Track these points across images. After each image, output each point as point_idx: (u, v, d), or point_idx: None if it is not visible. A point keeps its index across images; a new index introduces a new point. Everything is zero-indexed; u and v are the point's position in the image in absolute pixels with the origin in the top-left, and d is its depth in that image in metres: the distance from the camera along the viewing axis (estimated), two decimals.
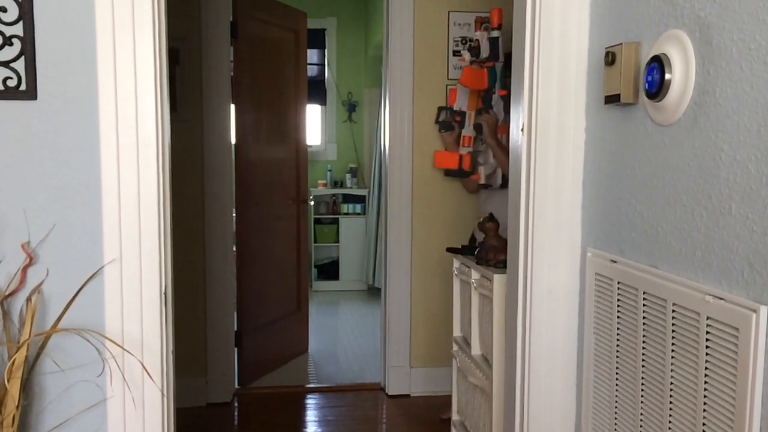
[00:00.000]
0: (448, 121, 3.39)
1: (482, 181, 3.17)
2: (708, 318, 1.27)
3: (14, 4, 1.57)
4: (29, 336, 1.53)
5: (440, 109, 3.53)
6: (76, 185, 1.63)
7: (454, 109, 3.36)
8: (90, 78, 1.61)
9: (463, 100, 3.35)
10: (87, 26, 1.59)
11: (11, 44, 1.58)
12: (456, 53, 3.61)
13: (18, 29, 1.58)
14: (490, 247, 2.52)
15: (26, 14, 1.57)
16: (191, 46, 3.43)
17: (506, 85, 3.05)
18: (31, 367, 1.61)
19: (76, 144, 1.62)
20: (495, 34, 3.07)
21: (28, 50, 1.58)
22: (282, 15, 4.16)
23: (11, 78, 1.58)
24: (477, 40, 3.14)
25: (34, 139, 1.61)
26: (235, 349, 3.75)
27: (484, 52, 3.09)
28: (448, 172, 3.43)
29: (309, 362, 4.37)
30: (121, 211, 1.64)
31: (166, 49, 1.70)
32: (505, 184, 3.13)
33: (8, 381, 1.50)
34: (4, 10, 1.57)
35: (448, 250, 3.05)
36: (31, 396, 1.64)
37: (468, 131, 3.32)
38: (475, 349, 2.66)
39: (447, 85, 3.61)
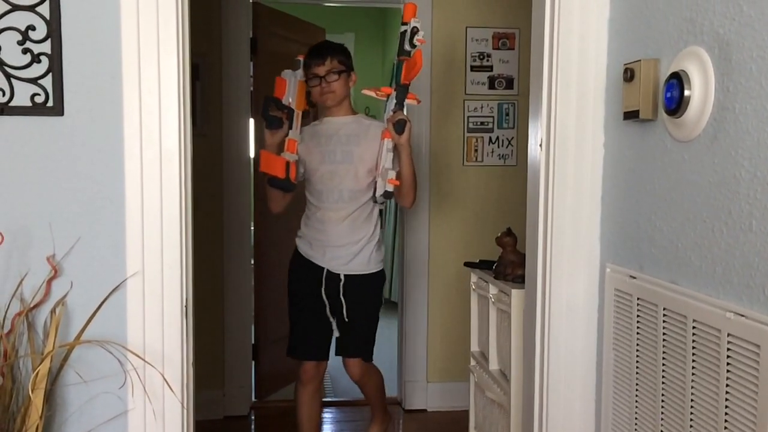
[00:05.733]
0: (279, 117, 2.64)
1: (389, 188, 2.62)
2: (729, 335, 1.26)
3: (42, 22, 1.60)
4: (53, 347, 1.55)
5: (267, 99, 2.69)
6: (101, 199, 1.66)
7: (282, 102, 2.67)
8: (115, 94, 1.64)
9: (292, 94, 2.68)
10: (113, 44, 1.63)
11: (39, 61, 1.61)
12: (474, 68, 3.61)
13: (46, 47, 1.61)
14: (508, 262, 2.52)
15: (54, 32, 1.61)
16: (211, 61, 3.47)
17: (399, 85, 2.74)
18: (54, 379, 1.63)
19: (100, 159, 1.65)
20: (403, 28, 2.61)
21: (56, 67, 1.62)
22: (301, 31, 4.20)
23: (39, 94, 1.62)
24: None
25: (60, 154, 1.64)
26: (253, 362, 3.76)
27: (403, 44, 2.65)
28: (273, 182, 2.65)
29: (326, 375, 4.36)
30: (144, 224, 1.66)
31: (190, 66, 1.73)
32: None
33: (32, 392, 1.52)
34: (32, 28, 1.60)
35: (466, 264, 3.04)
36: (54, 407, 1.66)
37: (294, 135, 2.68)
38: (493, 364, 2.65)
39: (465, 100, 3.61)
